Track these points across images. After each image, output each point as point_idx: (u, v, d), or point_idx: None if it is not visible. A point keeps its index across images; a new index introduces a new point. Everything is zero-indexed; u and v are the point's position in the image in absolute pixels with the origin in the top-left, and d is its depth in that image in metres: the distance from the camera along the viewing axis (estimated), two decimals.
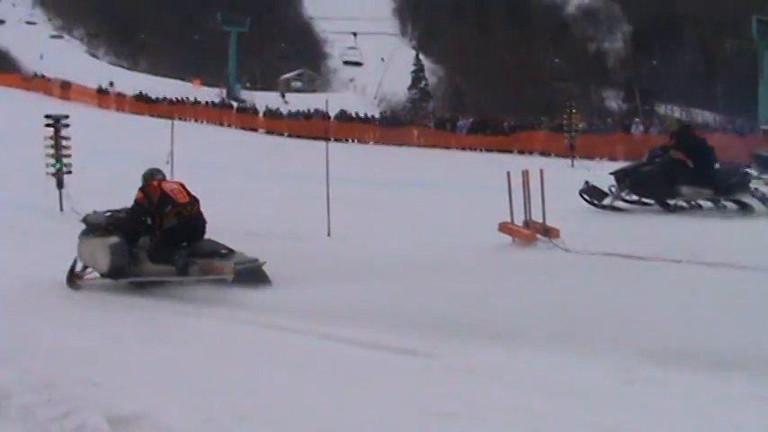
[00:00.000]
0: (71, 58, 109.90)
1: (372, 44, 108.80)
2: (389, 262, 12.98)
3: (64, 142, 22.26)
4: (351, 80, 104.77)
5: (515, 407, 6.53)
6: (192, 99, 61.96)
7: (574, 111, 37.02)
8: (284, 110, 60.17)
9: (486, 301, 9.64)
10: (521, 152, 41.27)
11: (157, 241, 12.18)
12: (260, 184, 27.38)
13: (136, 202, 12.48)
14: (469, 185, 25.35)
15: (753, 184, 17.84)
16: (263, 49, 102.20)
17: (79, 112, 32.36)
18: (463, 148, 43.67)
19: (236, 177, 27.99)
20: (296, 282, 11.55)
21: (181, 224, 12.10)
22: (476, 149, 43.01)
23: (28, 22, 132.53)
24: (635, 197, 19.00)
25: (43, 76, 72.83)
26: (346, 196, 20.14)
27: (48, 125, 22.41)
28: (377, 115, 57.91)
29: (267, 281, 11.47)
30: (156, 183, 12.55)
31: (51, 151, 22.17)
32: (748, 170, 18.99)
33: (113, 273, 12.43)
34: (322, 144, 19.01)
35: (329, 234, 17.01)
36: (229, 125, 55.59)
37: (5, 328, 10.33)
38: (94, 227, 12.79)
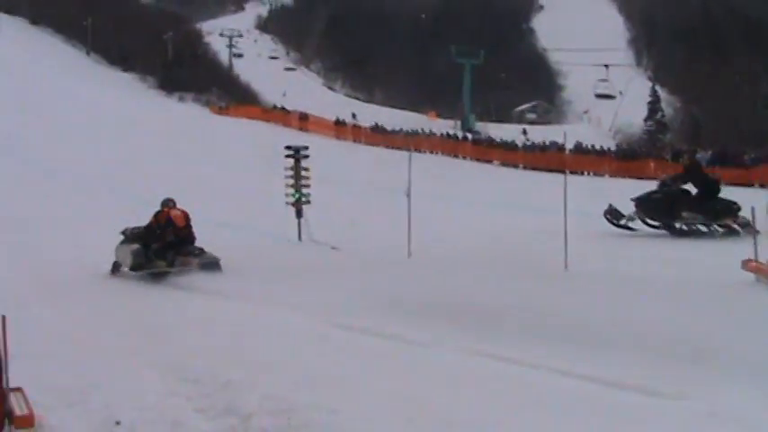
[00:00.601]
0: (308, 91, 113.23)
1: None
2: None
3: (303, 173, 22.57)
4: (585, 112, 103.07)
5: None
6: (426, 131, 62.38)
7: None
8: (521, 143, 59.49)
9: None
10: (762, 186, 39.00)
11: (159, 247, 18.08)
12: (494, 215, 26.96)
13: (149, 224, 18.50)
14: None
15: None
16: (497, 82, 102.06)
17: (317, 144, 32.89)
18: None
19: (472, 208, 27.61)
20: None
21: (175, 239, 18.13)
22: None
23: (271, 57, 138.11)
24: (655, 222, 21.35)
25: (283, 108, 75.07)
26: (588, 231, 19.51)
27: (288, 156, 22.79)
28: (612, 147, 56.43)
29: (220, 270, 17.33)
30: (166, 210, 18.49)
31: (291, 181, 22.52)
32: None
33: (134, 268, 18.19)
34: (557, 177, 18.41)
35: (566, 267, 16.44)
36: (464, 157, 55.48)
37: (252, 354, 10.51)
38: (126, 238, 18.69)
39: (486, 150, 56.02)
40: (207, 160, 41.75)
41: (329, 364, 10.00)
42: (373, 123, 64.96)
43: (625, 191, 33.03)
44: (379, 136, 61.39)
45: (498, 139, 58.68)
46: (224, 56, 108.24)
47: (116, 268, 18.70)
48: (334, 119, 67.63)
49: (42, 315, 13.61)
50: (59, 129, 50.21)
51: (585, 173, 47.21)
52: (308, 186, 22.42)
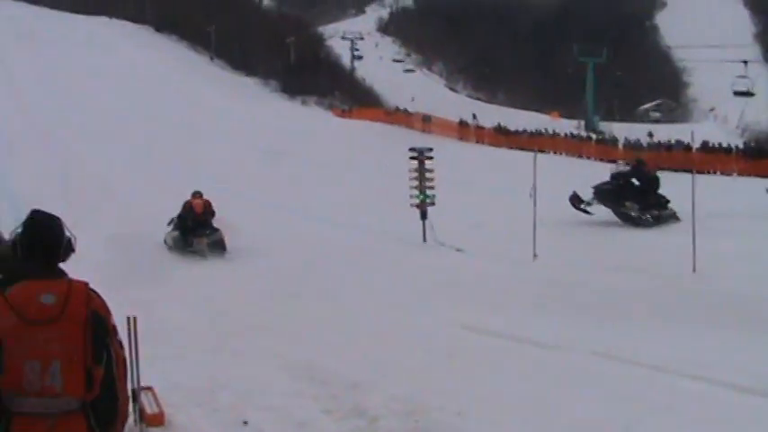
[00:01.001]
0: (431, 93, 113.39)
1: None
2: None
3: (427, 174, 22.55)
4: (711, 110, 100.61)
5: None
6: (550, 131, 61.73)
7: None
8: (645, 142, 58.30)
9: None
10: None
11: (184, 230, 21.88)
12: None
13: (179, 213, 22.31)
14: None
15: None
16: (621, 80, 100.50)
17: (441, 145, 32.84)
18: None
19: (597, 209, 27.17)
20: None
21: (193, 223, 21.88)
22: None
23: (394, 60, 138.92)
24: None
25: (405, 110, 75.18)
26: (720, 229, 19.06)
27: (412, 158, 22.81)
28: (740, 145, 54.84)
29: (225, 249, 21.29)
30: (190, 200, 22.58)
31: (415, 183, 22.53)
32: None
33: (175, 249, 21.88)
34: (685, 176, 18.05)
35: (694, 270, 16.07)
36: (588, 157, 54.64)
37: (379, 355, 10.65)
38: (173, 226, 22.28)
39: (611, 150, 55.10)
40: (330, 162, 42.19)
41: (457, 366, 9.96)
42: (496, 124, 64.60)
43: (753, 189, 32.26)
44: (501, 137, 61.00)
45: (623, 139, 57.65)
46: (345, 59, 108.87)
47: (170, 247, 22.38)
48: (456, 120, 67.43)
49: (167, 314, 13.96)
50: (186, 133, 51.19)
51: (713, 172, 46.02)
52: (432, 188, 22.38)
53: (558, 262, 17.53)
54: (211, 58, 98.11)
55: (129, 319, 6.98)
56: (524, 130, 61.56)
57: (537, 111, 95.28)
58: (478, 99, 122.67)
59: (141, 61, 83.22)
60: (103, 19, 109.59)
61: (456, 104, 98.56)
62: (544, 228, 18.68)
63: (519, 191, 20.45)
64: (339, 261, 18.94)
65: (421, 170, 22.61)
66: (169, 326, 12.76)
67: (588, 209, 25.08)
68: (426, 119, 68.21)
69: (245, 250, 20.78)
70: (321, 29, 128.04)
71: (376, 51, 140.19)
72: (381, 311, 13.72)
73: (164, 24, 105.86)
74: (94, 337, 4.23)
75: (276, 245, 21.42)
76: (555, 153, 55.47)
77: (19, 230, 4.42)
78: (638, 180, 25.20)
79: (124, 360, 4.58)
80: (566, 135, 60.89)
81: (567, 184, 26.67)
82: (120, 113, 55.65)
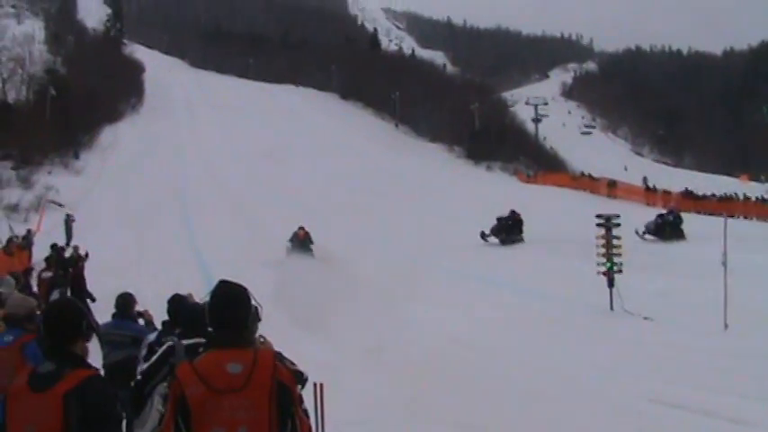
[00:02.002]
0: (616, 157, 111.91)
1: None
2: None
3: (614, 241, 22.52)
4: None
5: None
6: (740, 195, 60.03)
7: None
8: None
9: None
10: None
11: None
12: None
13: (290, 238, 32.16)
14: None
15: None
16: None
17: (626, 211, 32.58)
18: None
19: None
20: None
21: (298, 244, 31.45)
22: None
23: (585, 129, 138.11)
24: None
25: (590, 176, 74.41)
26: None
27: (599, 224, 22.84)
28: None
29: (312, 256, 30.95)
30: (297, 231, 32.19)
31: (602, 250, 22.52)
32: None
33: (287, 253, 31.02)
34: None
35: None
36: None
37: (561, 426, 10.67)
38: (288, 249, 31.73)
39: None
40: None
41: None
42: (683, 189, 63.36)
43: None
44: (689, 201, 59.69)
45: None
46: (530, 124, 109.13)
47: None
48: (642, 185, 66.35)
49: (349, 376, 14.02)
50: (374, 196, 52.48)
51: None
52: (619, 255, 22.30)
53: (751, 333, 17.00)
54: (396, 125, 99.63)
55: (315, 385, 7.25)
56: (713, 195, 60.14)
57: (726, 174, 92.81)
58: (665, 163, 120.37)
59: (328, 128, 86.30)
60: (290, 87, 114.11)
61: (642, 169, 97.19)
62: (735, 296, 18.26)
63: (707, 257, 20.13)
64: (523, 328, 18.97)
65: (608, 237, 22.60)
66: (352, 388, 12.85)
67: (488, 239, 38.09)
68: (611, 184, 67.45)
69: (431, 319, 19.43)
70: (505, 94, 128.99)
71: (560, 116, 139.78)
72: (568, 380, 13.72)
73: (349, 92, 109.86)
74: (279, 405, 4.35)
75: (460, 305, 21.54)
76: (746, 218, 53.81)
77: (208, 299, 4.60)
78: (508, 222, 38.39)
79: (309, 428, 4.80)
80: (757, 199, 59.06)
81: (759, 251, 26.03)
82: (307, 180, 57.83)
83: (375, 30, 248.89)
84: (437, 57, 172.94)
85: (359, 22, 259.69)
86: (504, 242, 37.59)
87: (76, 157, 62.76)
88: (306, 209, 42.71)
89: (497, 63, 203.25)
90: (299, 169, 61.98)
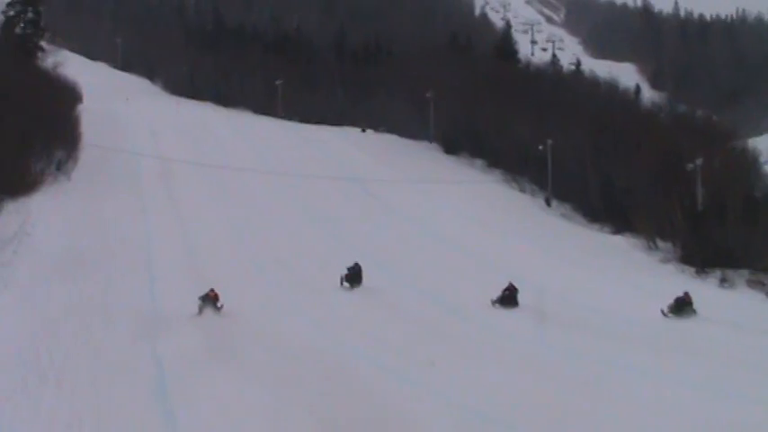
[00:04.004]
0: None
1: None
2: None
3: None
4: None
5: None
6: None
7: None
8: None
9: None
10: None
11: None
12: None
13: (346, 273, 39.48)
14: None
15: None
16: None
17: None
18: None
19: None
20: None
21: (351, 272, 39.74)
22: None
23: None
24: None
25: None
26: None
27: None
28: None
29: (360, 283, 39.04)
30: (347, 272, 39.84)
31: None
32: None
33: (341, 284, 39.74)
34: None
35: None
36: None
37: None
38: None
39: None
40: None
41: None
42: None
43: None
44: None
45: None
46: None
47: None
48: None
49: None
50: None
51: None
52: None
53: None
54: (547, 202, 65.61)
55: None
56: None
57: None
58: None
59: (432, 215, 59.40)
60: (351, 132, 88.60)
61: None
62: None
63: None
64: None
65: None
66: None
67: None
68: None
69: None
70: (752, 142, 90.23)
71: None
72: None
73: (458, 139, 79.41)
74: None
75: None
76: None
77: None
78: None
79: None
80: None
81: None
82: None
83: (507, 24, 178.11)
84: (622, 71, 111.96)
85: (476, 11, 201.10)
86: None
87: None
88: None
89: (734, 84, 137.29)
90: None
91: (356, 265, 39.48)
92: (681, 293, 38.06)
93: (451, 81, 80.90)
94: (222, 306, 34.09)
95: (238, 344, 28.39)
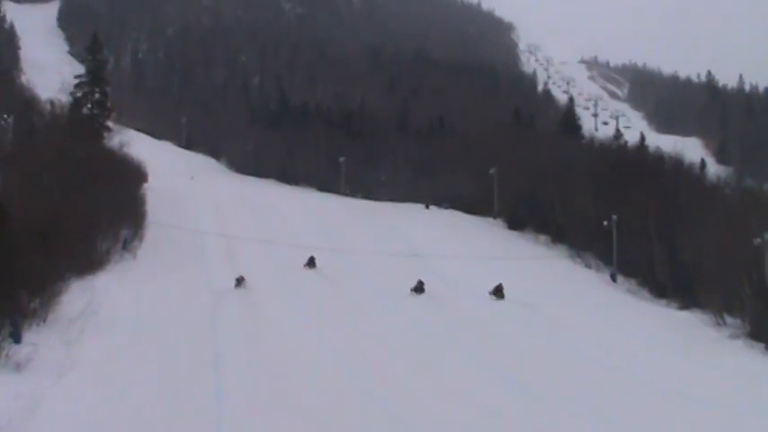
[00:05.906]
0: None
1: None
2: None
3: None
4: None
5: None
6: None
7: None
8: None
9: None
10: None
11: None
12: None
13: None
14: None
15: None
16: None
17: None
18: None
19: None
20: None
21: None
22: None
23: None
24: None
25: None
26: None
27: None
28: None
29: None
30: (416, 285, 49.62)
31: None
32: None
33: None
34: None
35: None
36: None
37: None
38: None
39: None
40: None
41: None
42: None
43: None
44: None
45: None
46: None
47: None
48: None
49: None
50: None
51: None
52: None
53: None
54: (613, 278, 63.52)
55: None
56: None
57: None
58: None
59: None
60: (415, 209, 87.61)
61: None
62: None
63: None
64: None
65: None
66: None
67: None
68: None
69: None
70: None
71: None
72: None
73: (523, 215, 78.54)
74: None
75: None
76: None
77: None
78: None
79: None
80: None
81: None
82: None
83: (571, 99, 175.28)
84: (687, 145, 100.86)
85: (539, 87, 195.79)
86: None
87: (15, 339, 37.96)
88: None
89: None
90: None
91: None
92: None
93: (515, 157, 80.00)
94: None
95: None
